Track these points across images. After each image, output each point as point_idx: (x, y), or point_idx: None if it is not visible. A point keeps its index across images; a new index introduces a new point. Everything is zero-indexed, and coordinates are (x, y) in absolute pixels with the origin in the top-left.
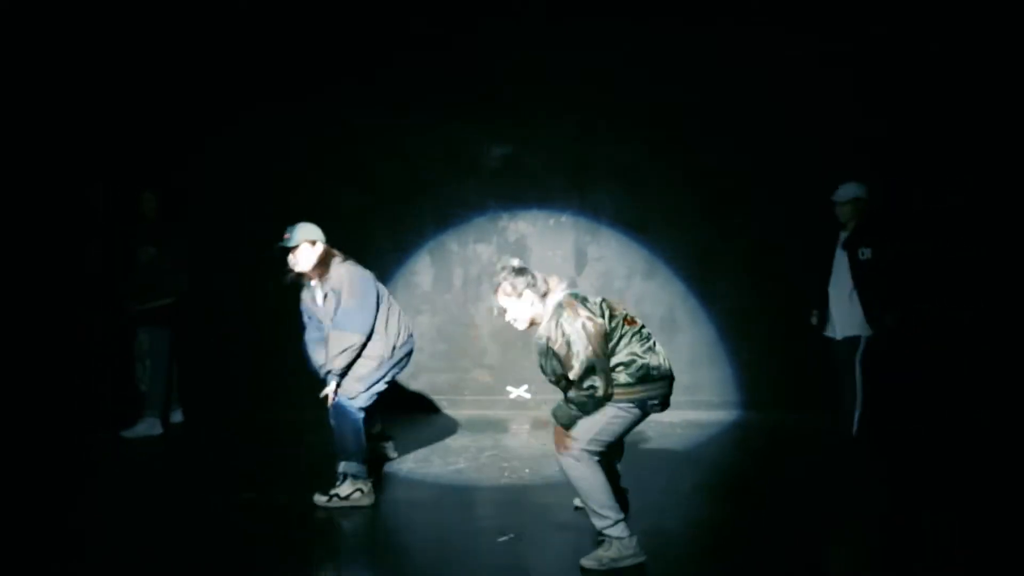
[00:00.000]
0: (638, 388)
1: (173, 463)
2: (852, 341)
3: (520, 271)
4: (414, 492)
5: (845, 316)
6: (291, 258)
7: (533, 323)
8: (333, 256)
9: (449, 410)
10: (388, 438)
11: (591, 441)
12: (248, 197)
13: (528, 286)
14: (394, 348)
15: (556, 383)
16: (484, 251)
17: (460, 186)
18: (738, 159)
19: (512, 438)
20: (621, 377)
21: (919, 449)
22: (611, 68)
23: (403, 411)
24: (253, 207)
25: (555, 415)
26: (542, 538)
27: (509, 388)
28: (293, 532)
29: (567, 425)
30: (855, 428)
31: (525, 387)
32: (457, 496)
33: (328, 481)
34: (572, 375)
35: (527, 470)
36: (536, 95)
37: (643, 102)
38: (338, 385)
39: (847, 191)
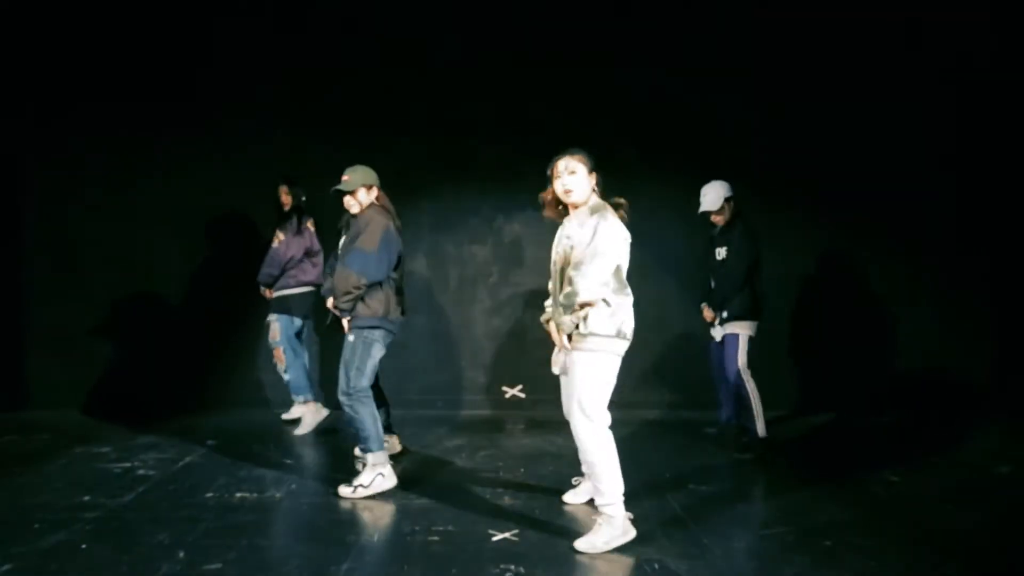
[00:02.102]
0: (617, 342)
1: (168, 462)
2: (730, 341)
3: (594, 159)
4: (409, 492)
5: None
6: (348, 200)
7: (574, 204)
8: (379, 202)
9: (444, 410)
10: (393, 432)
11: (597, 394)
12: (245, 197)
13: (594, 172)
14: (388, 313)
15: (556, 279)
16: (479, 252)
17: (456, 188)
18: (730, 161)
19: (507, 437)
20: (607, 325)
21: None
22: (607, 73)
23: (399, 411)
24: (249, 207)
25: (558, 322)
26: (537, 537)
27: (504, 388)
28: (286, 531)
29: (568, 329)
30: (761, 430)
31: (520, 387)
32: (452, 495)
33: (322, 478)
34: (573, 262)
35: (522, 469)
36: (532, 98)
37: (638, 106)
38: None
39: (716, 196)
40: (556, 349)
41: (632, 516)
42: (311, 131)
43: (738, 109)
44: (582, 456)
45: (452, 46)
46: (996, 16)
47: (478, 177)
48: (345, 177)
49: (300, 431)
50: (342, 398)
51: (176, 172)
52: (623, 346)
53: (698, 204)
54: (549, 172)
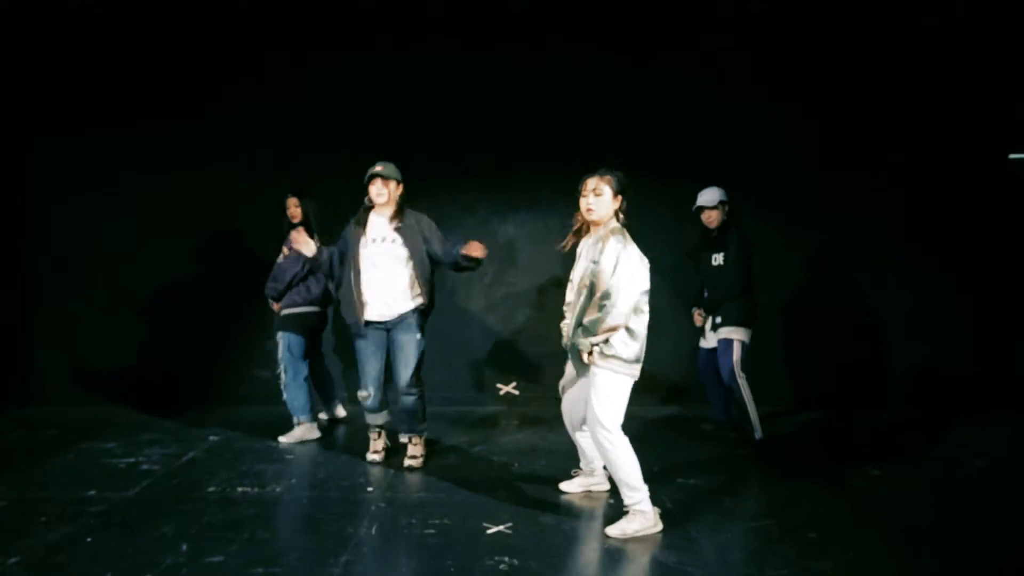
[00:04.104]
0: (635, 367)
1: (172, 457)
2: (725, 347)
3: (624, 182)
4: (405, 488)
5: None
6: (378, 188)
7: (595, 223)
8: (405, 203)
9: (440, 407)
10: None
11: (615, 412)
12: (249, 197)
13: (619, 195)
14: None
15: (582, 300)
16: None
17: (451, 190)
18: (723, 164)
19: (502, 433)
20: (629, 351)
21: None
22: (602, 75)
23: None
24: (249, 206)
25: (576, 343)
26: (530, 530)
27: (499, 385)
28: (287, 524)
29: (585, 349)
30: (758, 432)
31: (514, 384)
32: (448, 490)
33: (322, 473)
34: (599, 290)
35: (516, 464)
36: (527, 100)
37: (632, 110)
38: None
39: (713, 195)
40: (568, 366)
41: (660, 510)
42: (310, 133)
43: (731, 112)
44: (589, 456)
45: (448, 49)
46: (984, 20)
47: (474, 179)
48: (379, 168)
49: (283, 439)
50: (412, 390)
51: (182, 170)
52: (638, 370)
53: (692, 205)
54: (579, 188)
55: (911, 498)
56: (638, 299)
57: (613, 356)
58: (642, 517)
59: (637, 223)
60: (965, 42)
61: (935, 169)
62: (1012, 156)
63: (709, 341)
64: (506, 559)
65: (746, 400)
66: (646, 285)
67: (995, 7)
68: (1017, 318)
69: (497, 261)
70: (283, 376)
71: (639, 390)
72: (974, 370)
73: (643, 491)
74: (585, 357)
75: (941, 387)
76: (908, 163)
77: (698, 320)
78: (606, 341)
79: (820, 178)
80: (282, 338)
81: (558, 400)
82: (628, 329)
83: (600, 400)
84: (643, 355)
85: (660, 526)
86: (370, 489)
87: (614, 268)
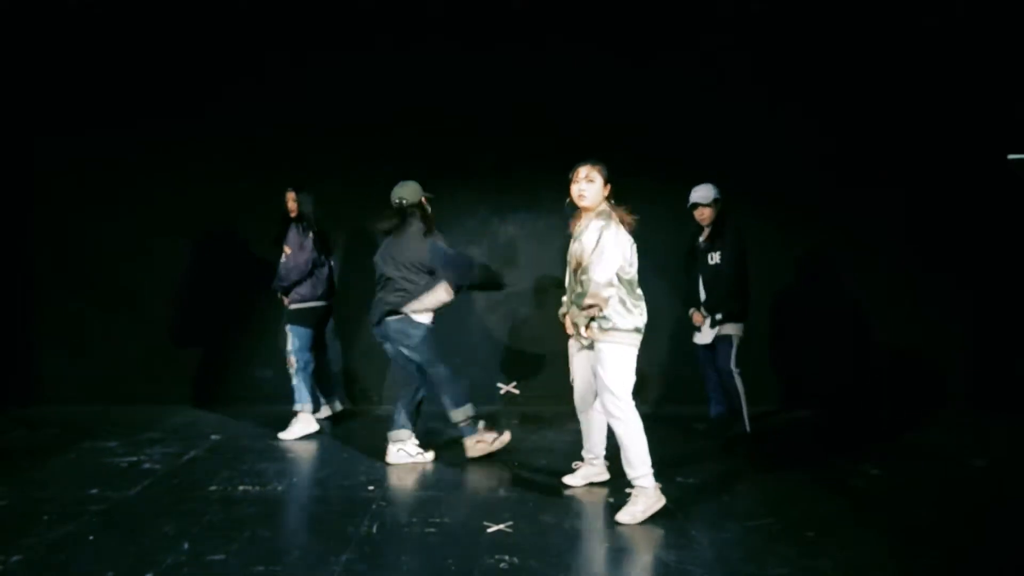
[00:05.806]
0: (636, 336)
1: (173, 456)
2: (723, 342)
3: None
4: (406, 486)
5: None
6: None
7: (586, 209)
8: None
9: (440, 406)
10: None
11: (624, 380)
12: (250, 195)
13: (608, 183)
14: None
15: (571, 278)
16: (475, 253)
17: (452, 190)
18: (715, 166)
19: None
20: (626, 322)
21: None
22: (599, 77)
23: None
24: (249, 207)
25: (576, 320)
26: (530, 528)
27: (499, 384)
28: (288, 523)
29: (581, 323)
30: (747, 425)
31: (514, 383)
32: (448, 489)
33: (322, 472)
34: (583, 265)
35: (516, 463)
36: (526, 101)
37: (628, 112)
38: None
39: (708, 192)
40: (571, 341)
41: (660, 485)
42: (310, 133)
43: (731, 113)
44: (593, 440)
45: (448, 49)
46: (984, 20)
47: (474, 180)
48: (403, 192)
49: (283, 435)
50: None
51: (182, 170)
52: (639, 339)
53: (686, 203)
54: (571, 176)
55: (911, 498)
56: (619, 272)
57: (612, 328)
58: (645, 495)
59: (637, 223)
60: (965, 42)
61: (935, 169)
62: (1011, 157)
63: (704, 337)
64: (506, 558)
65: (740, 395)
66: (627, 260)
67: (995, 7)
68: (1017, 318)
69: (497, 261)
70: (294, 365)
71: (637, 390)
72: (974, 370)
73: (647, 465)
74: (583, 331)
75: (941, 387)
76: (908, 163)
77: (697, 319)
78: (604, 316)
79: (820, 178)
80: (291, 331)
81: (557, 397)
82: (622, 302)
83: (607, 370)
84: (643, 328)
85: (663, 500)
86: (371, 488)
87: (595, 244)
